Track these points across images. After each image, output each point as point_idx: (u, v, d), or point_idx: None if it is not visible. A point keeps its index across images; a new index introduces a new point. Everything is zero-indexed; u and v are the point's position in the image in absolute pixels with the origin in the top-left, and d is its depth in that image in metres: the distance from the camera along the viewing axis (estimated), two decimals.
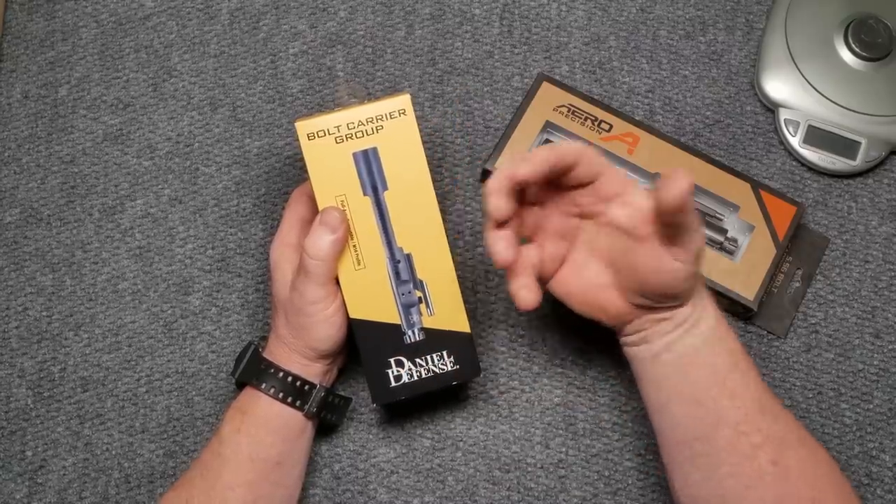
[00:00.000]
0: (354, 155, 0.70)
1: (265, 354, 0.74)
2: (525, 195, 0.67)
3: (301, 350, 0.73)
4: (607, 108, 0.84)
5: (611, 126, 0.84)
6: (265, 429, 0.73)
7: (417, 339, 0.72)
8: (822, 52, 0.87)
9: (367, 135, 0.70)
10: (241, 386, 0.76)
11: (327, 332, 0.72)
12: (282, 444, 0.74)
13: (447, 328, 0.72)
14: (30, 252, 0.86)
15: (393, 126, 0.70)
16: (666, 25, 0.91)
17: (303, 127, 0.70)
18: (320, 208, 0.70)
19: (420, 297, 0.72)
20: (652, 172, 0.82)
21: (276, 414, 0.73)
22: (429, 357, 0.73)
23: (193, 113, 0.89)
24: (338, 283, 0.71)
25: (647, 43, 0.90)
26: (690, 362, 0.67)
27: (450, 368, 0.73)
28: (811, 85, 0.86)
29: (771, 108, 0.88)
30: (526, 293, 0.65)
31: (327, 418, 0.77)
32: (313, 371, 0.74)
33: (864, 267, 0.84)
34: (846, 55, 0.87)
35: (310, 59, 0.91)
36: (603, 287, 0.68)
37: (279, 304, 0.74)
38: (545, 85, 0.85)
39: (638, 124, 0.84)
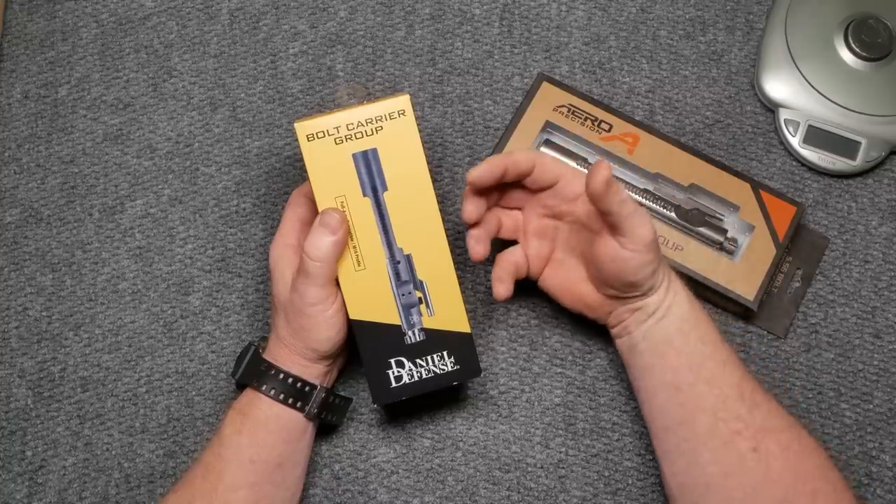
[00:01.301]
0: (354, 156, 0.70)
1: (265, 355, 0.74)
2: (499, 199, 0.76)
3: (301, 351, 0.73)
4: (607, 108, 0.84)
5: (611, 126, 0.84)
6: (266, 430, 0.73)
7: (418, 339, 0.72)
8: (822, 52, 0.87)
9: (367, 135, 0.70)
10: (241, 387, 0.76)
11: (327, 333, 0.72)
12: (283, 446, 0.74)
13: (447, 328, 0.72)
14: (30, 252, 0.86)
15: (392, 127, 0.70)
16: (666, 25, 0.91)
17: (302, 128, 0.70)
18: (320, 209, 0.70)
19: (420, 298, 0.72)
20: (652, 172, 0.82)
21: (276, 415, 0.73)
22: (429, 357, 0.73)
23: (193, 113, 0.89)
24: (338, 284, 0.71)
25: (647, 43, 0.90)
26: (666, 350, 0.72)
27: (450, 369, 0.73)
28: (811, 85, 0.86)
29: (771, 108, 0.87)
30: (497, 285, 0.74)
31: (328, 419, 0.77)
32: (314, 372, 0.74)
33: (864, 267, 0.84)
34: (846, 55, 0.87)
35: (310, 59, 0.91)
36: (580, 281, 0.75)
37: (279, 306, 0.73)
38: (545, 85, 0.85)
39: (638, 124, 0.84)
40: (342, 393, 0.80)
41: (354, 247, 0.71)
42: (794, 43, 0.87)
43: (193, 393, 0.83)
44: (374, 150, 0.70)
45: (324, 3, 0.92)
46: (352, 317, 0.72)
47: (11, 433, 0.82)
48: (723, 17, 0.91)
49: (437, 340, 0.73)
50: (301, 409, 0.73)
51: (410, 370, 0.73)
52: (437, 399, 0.81)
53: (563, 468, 0.80)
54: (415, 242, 0.71)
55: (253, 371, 0.74)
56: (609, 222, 0.69)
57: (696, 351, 0.71)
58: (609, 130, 0.84)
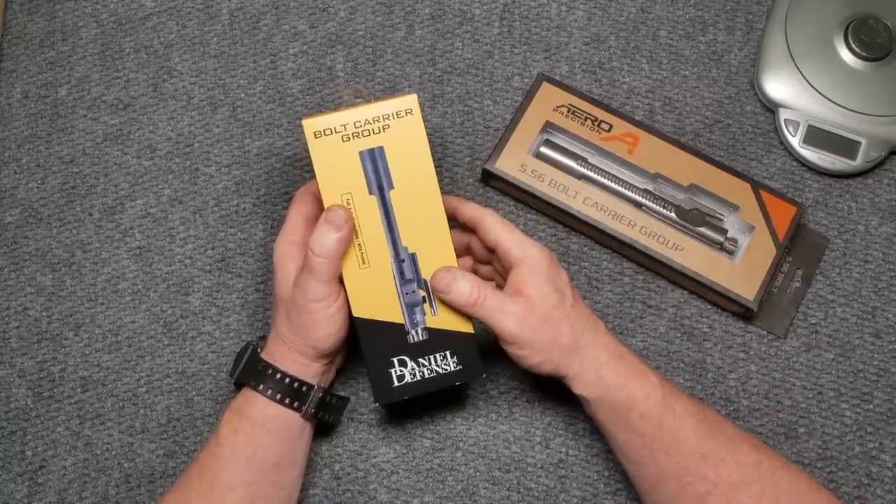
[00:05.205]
0: (361, 153, 0.70)
1: (264, 353, 0.74)
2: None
3: (300, 349, 0.73)
4: (607, 108, 0.85)
5: (611, 126, 0.84)
6: (262, 430, 0.72)
7: (421, 338, 0.72)
8: (822, 52, 0.87)
9: (374, 134, 0.70)
10: (239, 386, 0.76)
11: (328, 330, 0.71)
12: (280, 445, 0.73)
13: (450, 328, 0.72)
14: (30, 252, 0.86)
15: (400, 125, 0.70)
16: (666, 25, 0.91)
17: (310, 125, 0.70)
18: (326, 206, 0.70)
19: (424, 297, 0.72)
20: (652, 172, 0.83)
21: (273, 415, 0.73)
22: (432, 357, 0.73)
23: (193, 113, 0.89)
24: (341, 282, 0.71)
25: (647, 43, 0.90)
26: (606, 428, 0.73)
27: (453, 369, 0.73)
28: (811, 85, 0.86)
29: (771, 108, 0.88)
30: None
31: (325, 418, 0.77)
32: (311, 371, 0.74)
33: (864, 267, 0.84)
34: (846, 55, 0.87)
35: (310, 59, 0.91)
36: None
37: (280, 302, 0.73)
38: (545, 85, 0.85)
39: (638, 124, 0.84)
40: (341, 393, 0.80)
41: (359, 244, 0.71)
42: (794, 43, 0.87)
43: (193, 393, 0.82)
44: (381, 149, 0.70)
45: (324, 3, 0.92)
46: (355, 315, 0.72)
47: (11, 433, 0.82)
48: (723, 17, 0.91)
49: (440, 340, 0.72)
50: (298, 409, 0.73)
51: (413, 369, 0.73)
52: (438, 399, 0.81)
53: (563, 468, 0.80)
54: (420, 241, 0.71)
55: (250, 371, 0.74)
56: None
57: (636, 430, 0.70)
58: (609, 130, 0.84)
